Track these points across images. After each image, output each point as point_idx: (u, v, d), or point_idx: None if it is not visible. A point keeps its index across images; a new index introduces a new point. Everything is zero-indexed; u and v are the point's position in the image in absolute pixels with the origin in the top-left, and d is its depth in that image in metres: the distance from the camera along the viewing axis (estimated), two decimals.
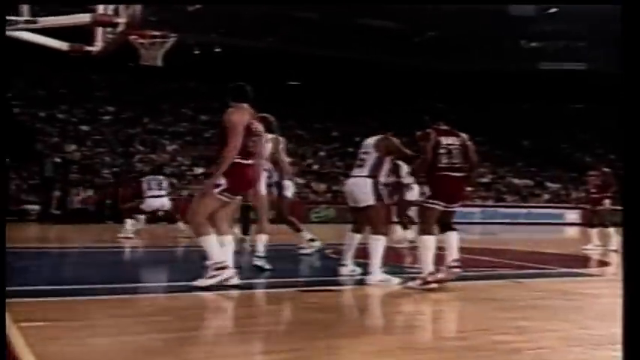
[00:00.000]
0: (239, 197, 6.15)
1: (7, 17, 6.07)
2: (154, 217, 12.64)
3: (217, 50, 30.17)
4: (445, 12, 28.01)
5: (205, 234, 5.51)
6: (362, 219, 6.51)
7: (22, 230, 14.00)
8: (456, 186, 6.11)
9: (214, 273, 5.47)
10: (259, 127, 5.78)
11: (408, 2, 25.81)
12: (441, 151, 6.00)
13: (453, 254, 6.10)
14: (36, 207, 19.52)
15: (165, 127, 28.68)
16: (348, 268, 6.69)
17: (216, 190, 5.54)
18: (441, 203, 6.01)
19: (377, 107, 32.34)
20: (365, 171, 6.34)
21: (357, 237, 6.68)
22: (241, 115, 5.60)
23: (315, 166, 28.36)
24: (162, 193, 12.17)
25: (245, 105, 5.72)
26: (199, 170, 24.14)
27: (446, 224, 6.17)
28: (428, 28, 31.14)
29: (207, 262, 5.52)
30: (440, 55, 31.88)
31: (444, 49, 31.55)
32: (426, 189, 6.17)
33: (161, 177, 12.56)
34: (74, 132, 26.32)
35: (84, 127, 26.97)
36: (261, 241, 7.20)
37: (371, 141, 6.47)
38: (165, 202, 12.21)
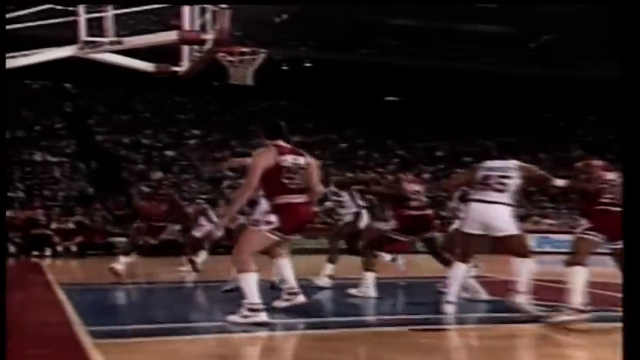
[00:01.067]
0: (292, 236, 6.41)
1: (92, 39, 6.36)
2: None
3: (307, 65, 30.59)
4: (561, 10, 27.24)
5: (246, 271, 5.85)
6: (499, 248, 6.64)
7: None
8: (617, 222, 5.91)
9: (247, 313, 5.80)
10: (299, 160, 6.05)
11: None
12: (604, 185, 6.24)
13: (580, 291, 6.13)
14: (123, 239, 20.25)
15: (254, 150, 29.22)
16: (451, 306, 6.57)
17: (266, 228, 5.91)
18: (600, 236, 6.16)
19: (489, 123, 31.80)
20: (505, 197, 6.44)
21: (464, 268, 6.68)
22: (265, 156, 6.00)
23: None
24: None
25: (279, 142, 6.11)
26: None
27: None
28: (543, 30, 30.37)
29: (244, 301, 5.85)
30: (560, 61, 31.02)
31: (564, 54, 30.69)
32: (584, 221, 6.30)
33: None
34: (159, 158, 27.26)
35: (169, 153, 27.88)
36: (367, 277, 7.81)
37: (512, 164, 6.55)
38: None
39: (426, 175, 29.30)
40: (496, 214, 6.41)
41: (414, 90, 32.22)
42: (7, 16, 6.27)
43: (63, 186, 23.83)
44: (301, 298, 6.42)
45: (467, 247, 6.68)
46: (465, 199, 7.67)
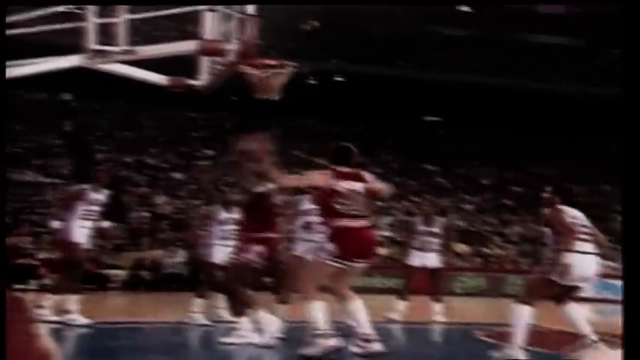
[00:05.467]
0: (358, 264, 6.71)
1: (102, 47, 6.46)
2: None
3: (338, 79, 30.69)
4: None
5: (311, 300, 6.46)
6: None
7: (107, 300, 14.53)
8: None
9: (318, 341, 6.37)
10: (353, 185, 6.60)
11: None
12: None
13: None
14: (121, 272, 20.33)
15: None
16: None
17: (326, 257, 6.41)
18: None
19: (545, 149, 31.54)
20: (592, 247, 7.35)
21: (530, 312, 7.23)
22: (321, 176, 6.78)
23: (460, 223, 27.93)
24: None
25: (341, 167, 6.73)
26: None
27: None
28: (614, 43, 30.24)
29: (314, 331, 6.42)
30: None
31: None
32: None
33: None
34: (165, 180, 27.45)
35: (177, 175, 28.06)
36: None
37: (581, 214, 7.53)
38: None
39: (468, 206, 29.23)
40: (590, 268, 7.31)
41: (456, 109, 32.23)
42: (8, 19, 6.40)
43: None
44: (377, 347, 6.62)
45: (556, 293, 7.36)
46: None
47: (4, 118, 6.66)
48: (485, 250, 25.15)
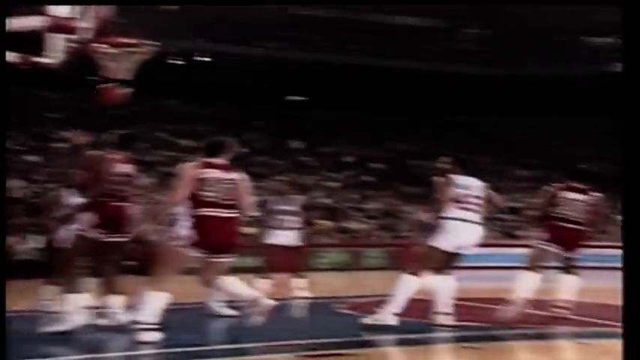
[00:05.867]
0: (218, 254, 6.71)
1: None
2: None
3: (201, 59, 30.31)
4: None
5: (156, 288, 6.50)
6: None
7: None
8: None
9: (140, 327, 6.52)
10: (220, 175, 6.71)
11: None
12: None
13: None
14: None
15: (141, 156, 28.65)
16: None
17: (184, 244, 6.51)
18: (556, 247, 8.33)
19: (406, 125, 32.29)
20: (478, 217, 7.68)
21: (417, 282, 7.53)
22: (188, 169, 6.74)
23: (325, 200, 28.23)
24: None
25: (212, 159, 6.82)
26: None
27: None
28: (466, 24, 31.21)
29: (139, 316, 6.56)
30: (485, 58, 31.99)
31: (489, 50, 31.68)
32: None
33: None
34: (20, 164, 26.39)
35: (31, 158, 27.07)
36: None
37: (479, 184, 7.81)
38: None
39: (332, 184, 29.59)
40: (473, 235, 7.62)
41: (319, 88, 32.53)
42: None
43: None
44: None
45: (435, 263, 7.63)
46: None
47: (3, 117, 6.40)
48: (347, 225, 25.56)
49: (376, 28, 30.65)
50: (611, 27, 29.17)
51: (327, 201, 28.05)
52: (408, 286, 7.48)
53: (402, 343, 7.06)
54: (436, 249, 7.58)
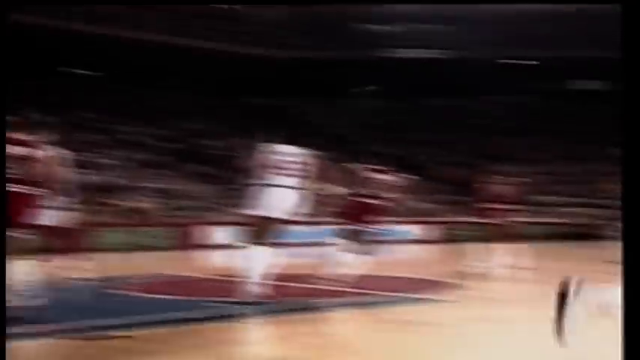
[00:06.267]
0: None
1: None
2: None
3: None
4: None
5: None
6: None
7: None
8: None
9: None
10: (21, 151, 6.46)
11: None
12: None
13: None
14: None
15: None
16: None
17: None
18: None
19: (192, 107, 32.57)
20: (291, 182, 7.74)
21: (262, 252, 7.60)
22: None
23: (106, 179, 27.73)
24: None
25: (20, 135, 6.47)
26: None
27: None
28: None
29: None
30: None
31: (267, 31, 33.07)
32: None
33: None
34: None
35: None
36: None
37: (300, 151, 7.88)
38: None
39: (120, 163, 28.84)
40: (289, 198, 7.72)
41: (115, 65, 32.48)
42: None
43: None
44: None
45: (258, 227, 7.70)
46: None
47: (4, 116, 6.02)
48: (130, 204, 25.20)
49: (175, 8, 30.69)
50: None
51: (116, 180, 27.49)
52: (253, 256, 7.59)
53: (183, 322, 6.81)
54: (260, 216, 7.68)
